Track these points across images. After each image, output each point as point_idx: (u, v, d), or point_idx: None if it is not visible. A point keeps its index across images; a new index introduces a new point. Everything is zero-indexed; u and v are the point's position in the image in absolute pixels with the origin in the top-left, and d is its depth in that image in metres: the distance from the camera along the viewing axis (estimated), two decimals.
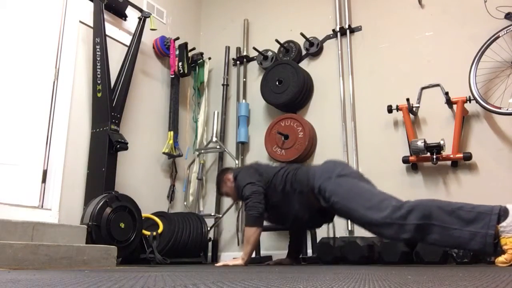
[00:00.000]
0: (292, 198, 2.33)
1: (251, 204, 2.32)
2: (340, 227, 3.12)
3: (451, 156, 2.75)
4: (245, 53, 3.93)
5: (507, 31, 2.68)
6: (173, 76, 3.72)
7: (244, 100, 3.81)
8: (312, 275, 1.28)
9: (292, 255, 2.67)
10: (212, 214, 3.57)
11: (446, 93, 2.82)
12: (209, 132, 3.85)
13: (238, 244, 3.53)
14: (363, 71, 3.33)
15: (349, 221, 3.06)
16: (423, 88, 3.01)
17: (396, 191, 2.91)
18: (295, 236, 2.72)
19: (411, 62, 3.15)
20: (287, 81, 3.40)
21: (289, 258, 2.65)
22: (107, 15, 3.24)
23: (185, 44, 3.74)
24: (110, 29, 3.25)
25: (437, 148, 2.71)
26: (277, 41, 3.58)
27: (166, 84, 3.79)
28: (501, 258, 1.72)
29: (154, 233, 2.90)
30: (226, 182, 2.59)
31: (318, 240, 2.84)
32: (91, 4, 3.13)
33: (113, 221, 2.50)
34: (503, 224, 1.73)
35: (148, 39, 3.63)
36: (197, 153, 3.79)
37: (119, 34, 3.37)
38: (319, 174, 2.24)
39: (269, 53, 3.74)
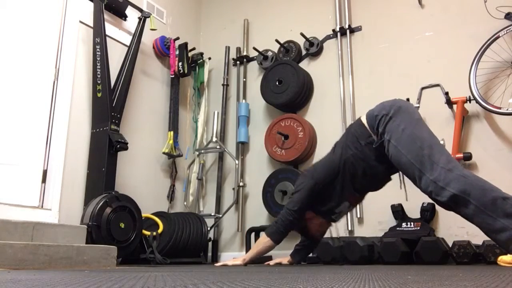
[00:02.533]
0: (364, 155, 2.12)
1: (281, 217, 2.20)
2: (340, 227, 3.12)
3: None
4: (245, 53, 3.93)
5: (507, 31, 2.68)
6: (173, 76, 3.72)
7: (244, 100, 3.81)
8: (312, 275, 1.28)
9: (298, 259, 2.53)
10: (212, 214, 3.57)
11: (446, 93, 2.82)
12: (209, 132, 3.86)
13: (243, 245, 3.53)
14: (363, 71, 3.33)
15: (349, 221, 3.07)
16: (423, 88, 3.01)
17: (396, 191, 2.93)
18: (308, 246, 2.53)
19: (411, 62, 3.15)
20: (287, 81, 3.40)
21: (290, 258, 2.61)
22: (107, 15, 3.24)
23: (185, 44, 3.74)
24: (110, 29, 3.25)
25: None
26: (277, 41, 3.59)
27: (166, 84, 3.79)
28: (506, 258, 1.71)
29: (154, 233, 2.90)
30: (312, 219, 2.34)
31: None
32: (91, 4, 3.13)
33: (113, 221, 2.50)
34: None
35: (148, 39, 3.63)
36: (197, 153, 3.79)
37: (119, 34, 3.37)
38: (377, 113, 2.09)
39: (269, 53, 3.74)
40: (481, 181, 1.83)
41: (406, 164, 1.94)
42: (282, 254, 2.75)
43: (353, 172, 2.15)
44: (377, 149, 2.07)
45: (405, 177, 2.09)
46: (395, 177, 2.98)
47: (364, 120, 2.14)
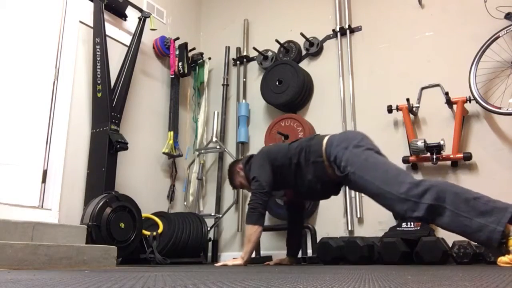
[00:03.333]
0: (306, 168, 2.30)
1: (254, 203, 2.32)
2: (340, 227, 3.12)
3: (451, 156, 2.75)
4: (245, 53, 3.93)
5: (507, 31, 2.68)
6: (173, 76, 3.72)
7: (244, 100, 3.81)
8: (312, 275, 1.28)
9: (291, 254, 2.65)
10: (212, 214, 3.57)
11: (446, 93, 2.82)
12: (209, 132, 3.86)
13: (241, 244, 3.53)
14: (363, 71, 3.33)
15: (348, 221, 3.07)
16: (423, 88, 3.01)
17: None
18: (293, 234, 2.71)
19: (411, 62, 3.15)
20: (287, 81, 3.40)
21: (288, 258, 2.64)
22: (107, 15, 3.25)
23: (185, 44, 3.74)
24: (110, 29, 3.25)
25: (437, 148, 2.71)
26: (277, 41, 3.59)
27: (166, 84, 3.79)
28: (505, 258, 1.72)
29: (154, 233, 2.90)
30: (239, 172, 2.58)
31: (318, 240, 2.84)
32: (91, 4, 3.13)
33: (113, 221, 2.50)
34: None
35: (148, 39, 3.63)
36: (197, 153, 3.79)
37: (119, 34, 3.37)
38: (336, 143, 2.21)
39: (269, 53, 3.74)
40: (451, 186, 1.90)
41: (376, 190, 2.02)
42: (282, 254, 2.76)
43: (296, 174, 2.35)
44: (321, 172, 2.26)
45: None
46: None
47: (324, 143, 2.27)
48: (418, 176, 2.91)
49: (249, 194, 3.59)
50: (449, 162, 2.83)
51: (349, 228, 3.07)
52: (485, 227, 1.73)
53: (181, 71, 3.70)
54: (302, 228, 2.83)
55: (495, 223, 1.72)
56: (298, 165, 2.32)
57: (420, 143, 2.73)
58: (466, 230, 1.79)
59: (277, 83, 3.45)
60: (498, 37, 2.70)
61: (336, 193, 2.48)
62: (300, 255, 2.85)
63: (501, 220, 1.72)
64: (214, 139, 3.71)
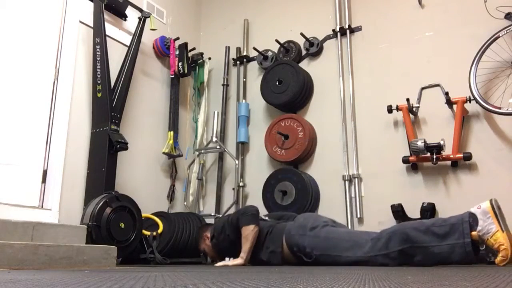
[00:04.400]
0: (262, 254, 2.40)
1: (243, 209, 2.43)
2: None
3: (451, 156, 2.75)
4: (245, 53, 3.93)
5: (507, 31, 2.68)
6: (173, 76, 3.72)
7: (244, 100, 3.81)
8: (312, 275, 1.28)
9: None
10: (212, 214, 3.57)
11: (446, 93, 2.82)
12: (209, 132, 3.85)
13: None
14: (363, 71, 3.33)
15: (349, 221, 3.07)
16: (423, 88, 3.01)
17: (396, 191, 2.93)
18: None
19: (411, 62, 3.14)
20: (287, 81, 3.40)
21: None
22: (107, 15, 3.24)
23: (185, 44, 3.74)
24: (110, 29, 3.25)
25: (437, 148, 2.71)
26: (277, 41, 3.59)
27: (166, 84, 3.79)
28: (499, 258, 1.72)
29: (154, 233, 2.90)
30: (205, 240, 2.67)
31: None
32: (91, 4, 3.13)
33: (113, 221, 2.50)
34: (479, 228, 1.77)
35: (148, 39, 3.63)
36: (197, 153, 3.79)
37: (119, 34, 3.37)
38: (293, 232, 2.29)
39: (269, 53, 3.74)
40: (406, 224, 1.99)
41: (348, 260, 2.08)
42: None
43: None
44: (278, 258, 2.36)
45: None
46: (395, 177, 2.98)
47: (284, 235, 2.34)
48: (418, 177, 2.93)
49: (249, 193, 3.62)
50: (449, 162, 2.83)
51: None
52: (455, 246, 1.78)
53: (181, 71, 3.70)
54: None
55: (461, 238, 1.78)
56: (258, 246, 2.40)
57: (420, 143, 2.73)
58: (441, 257, 1.84)
59: (277, 83, 3.45)
60: (498, 37, 2.70)
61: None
62: None
63: (463, 232, 1.78)
64: (214, 139, 3.71)
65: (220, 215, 3.59)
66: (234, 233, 2.45)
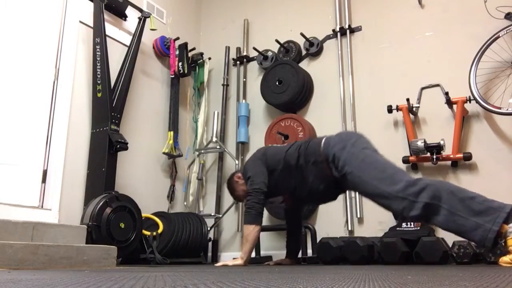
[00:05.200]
0: (306, 170, 2.29)
1: (250, 203, 2.31)
2: (340, 227, 3.12)
3: (451, 156, 2.75)
4: (245, 53, 3.93)
5: (507, 31, 2.68)
6: (173, 76, 3.72)
7: (244, 100, 3.81)
8: (312, 275, 1.28)
9: (291, 255, 2.66)
10: (212, 214, 3.57)
11: (446, 93, 2.82)
12: (209, 132, 3.85)
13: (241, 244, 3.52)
14: (363, 71, 3.33)
15: (348, 221, 3.07)
16: (423, 88, 3.01)
17: None
18: (292, 234, 2.69)
19: (411, 62, 3.15)
20: (287, 81, 3.40)
21: (288, 258, 2.64)
22: (107, 15, 3.25)
23: (185, 44, 3.74)
24: (110, 29, 3.25)
25: (437, 148, 2.71)
26: (277, 41, 3.59)
27: (166, 84, 3.79)
28: (506, 258, 1.71)
29: (154, 233, 2.90)
30: (238, 182, 2.53)
31: (318, 240, 2.84)
32: (91, 4, 3.13)
33: (113, 221, 2.50)
34: (510, 225, 1.71)
35: (148, 39, 3.63)
36: (197, 153, 3.79)
37: (119, 34, 3.37)
38: (333, 143, 2.22)
39: (269, 53, 3.74)
40: (447, 185, 1.90)
41: (373, 190, 2.03)
42: (282, 254, 2.76)
43: (296, 178, 2.32)
44: (323, 172, 2.24)
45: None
46: None
47: (322, 144, 2.27)
48: (418, 176, 2.92)
49: None
50: (449, 162, 2.83)
51: (349, 228, 3.07)
52: (480, 226, 1.73)
53: (181, 71, 3.70)
54: (301, 229, 2.82)
55: (490, 223, 1.73)
56: (299, 168, 2.30)
57: (420, 143, 2.73)
58: (461, 229, 1.80)
59: (277, 83, 3.45)
60: (498, 37, 2.70)
61: (335, 197, 2.47)
62: (300, 255, 2.85)
63: (496, 219, 1.72)
64: (214, 139, 3.71)
65: (220, 215, 3.59)
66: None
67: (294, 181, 2.34)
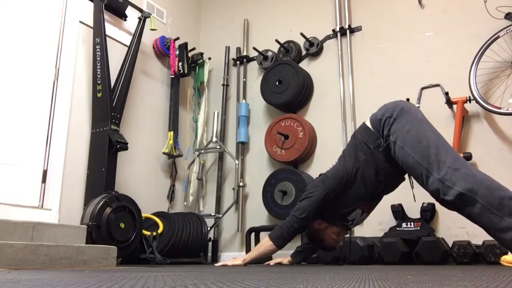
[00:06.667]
0: (374, 161, 2.10)
1: (284, 223, 2.16)
2: None
3: None
4: (245, 53, 3.93)
5: (507, 31, 2.68)
6: (173, 76, 3.72)
7: (244, 100, 3.81)
8: (312, 275, 1.28)
9: (297, 260, 2.55)
10: (212, 214, 3.57)
11: (446, 93, 2.82)
12: (209, 132, 3.86)
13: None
14: (363, 71, 3.33)
15: None
16: (423, 88, 3.01)
17: (396, 191, 2.92)
18: (308, 247, 2.53)
19: (411, 62, 3.15)
20: (287, 81, 3.41)
21: (290, 259, 2.61)
22: (107, 15, 3.24)
23: (185, 44, 3.74)
24: (110, 29, 3.25)
25: None
26: (277, 41, 3.59)
27: (166, 84, 3.79)
28: (509, 258, 1.71)
29: (154, 233, 2.90)
30: (320, 229, 2.26)
31: None
32: (91, 4, 3.13)
33: (113, 221, 2.50)
34: None
35: (148, 39, 3.63)
36: (197, 153, 3.79)
37: (119, 34, 3.37)
38: (380, 116, 2.10)
39: (269, 53, 3.74)
40: (488, 180, 1.82)
41: (413, 164, 1.94)
42: (282, 254, 2.75)
43: (366, 178, 2.11)
44: (385, 151, 2.06)
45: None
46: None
47: (369, 124, 2.14)
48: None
49: (249, 193, 3.62)
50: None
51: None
52: None
53: (181, 71, 3.70)
54: (317, 249, 2.61)
55: None
56: (367, 164, 2.11)
57: None
58: (493, 226, 1.75)
59: (277, 83, 3.45)
60: (498, 37, 2.70)
61: (403, 176, 2.22)
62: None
63: None
64: (214, 139, 3.71)
65: (220, 215, 3.59)
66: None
67: (369, 182, 2.13)
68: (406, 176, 2.20)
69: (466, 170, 1.83)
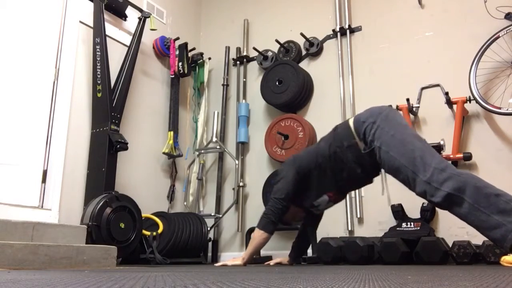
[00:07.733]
0: (341, 157, 2.16)
1: (267, 209, 2.25)
2: (340, 227, 3.12)
3: (451, 156, 2.75)
4: (245, 53, 3.93)
5: (507, 31, 2.68)
6: (173, 76, 3.72)
7: (244, 100, 3.81)
8: (312, 275, 1.28)
9: (294, 256, 2.61)
10: (212, 214, 3.57)
11: (446, 93, 2.82)
12: (209, 132, 3.86)
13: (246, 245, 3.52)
14: (363, 71, 3.33)
15: (349, 221, 3.07)
16: (423, 88, 3.01)
17: (396, 192, 2.93)
18: (303, 241, 2.62)
19: (411, 62, 3.15)
20: (287, 81, 3.41)
21: (289, 258, 2.63)
22: (107, 15, 3.25)
23: (185, 44, 3.74)
24: (110, 29, 3.25)
25: (437, 148, 2.70)
26: (277, 41, 3.59)
27: (166, 84, 3.79)
28: (509, 258, 1.70)
29: (154, 233, 2.90)
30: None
31: (318, 240, 2.84)
32: (91, 4, 3.13)
33: (113, 221, 2.50)
34: None
35: (148, 39, 3.63)
36: (197, 153, 3.79)
37: (119, 34, 3.37)
38: (364, 118, 2.12)
39: (269, 53, 3.74)
40: (474, 179, 1.83)
41: (399, 167, 1.96)
42: (282, 254, 2.76)
43: (334, 169, 2.20)
44: (358, 153, 2.12)
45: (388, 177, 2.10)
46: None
47: (351, 124, 2.17)
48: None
49: (249, 193, 3.62)
50: (449, 162, 2.82)
51: (349, 228, 3.07)
52: (502, 225, 1.68)
53: (181, 71, 3.70)
54: (314, 239, 2.74)
55: None
56: (333, 157, 2.19)
57: None
58: (482, 225, 1.75)
59: (277, 83, 3.45)
60: (498, 37, 2.71)
61: (371, 179, 2.34)
62: (301, 257, 2.83)
63: None
64: (214, 139, 3.71)
65: (220, 215, 3.59)
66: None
67: (333, 173, 2.22)
68: (377, 178, 2.32)
69: (451, 171, 1.85)
